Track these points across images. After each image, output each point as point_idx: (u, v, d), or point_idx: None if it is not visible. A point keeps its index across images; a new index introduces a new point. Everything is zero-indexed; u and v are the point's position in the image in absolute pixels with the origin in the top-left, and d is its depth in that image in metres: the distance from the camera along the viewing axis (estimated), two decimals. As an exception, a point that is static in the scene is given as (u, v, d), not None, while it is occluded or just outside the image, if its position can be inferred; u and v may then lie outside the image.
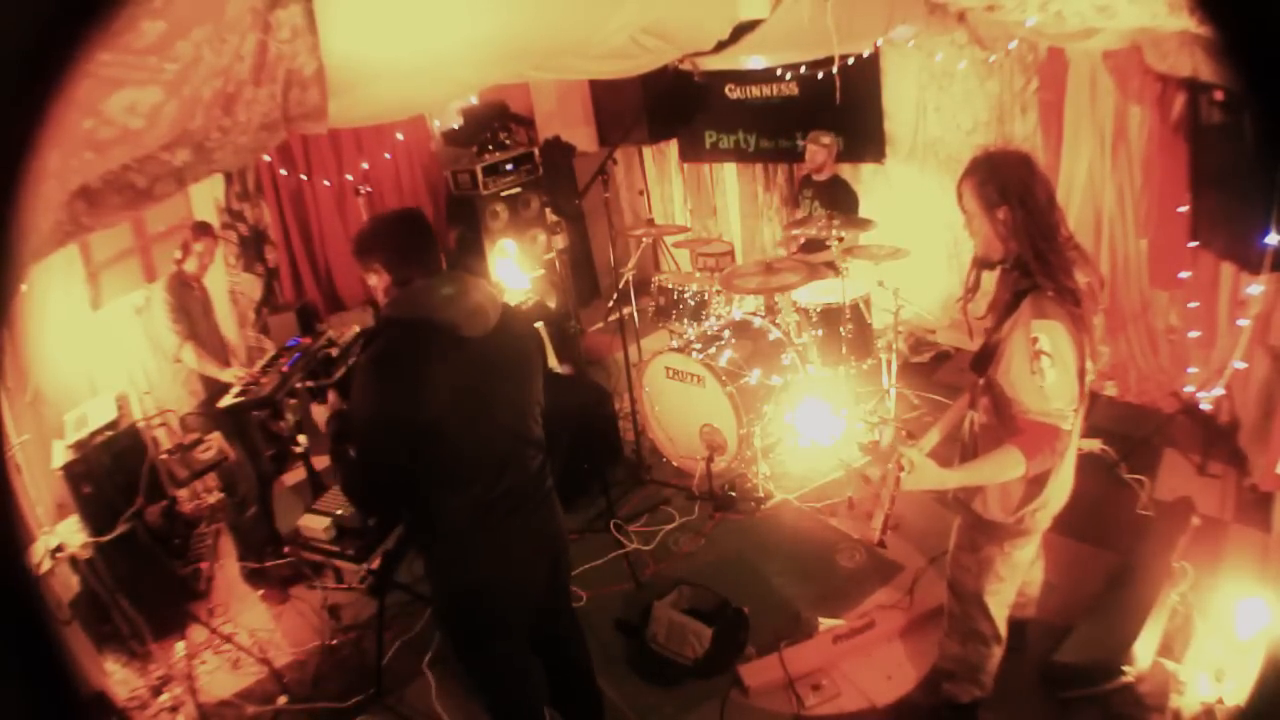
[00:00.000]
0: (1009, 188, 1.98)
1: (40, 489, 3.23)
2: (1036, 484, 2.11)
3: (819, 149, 4.81)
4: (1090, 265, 2.06)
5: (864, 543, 3.52)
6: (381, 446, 1.93)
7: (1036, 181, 2.00)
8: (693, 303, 4.68)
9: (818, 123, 5.02)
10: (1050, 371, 1.90)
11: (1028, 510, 2.15)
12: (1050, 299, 1.93)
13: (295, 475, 4.67)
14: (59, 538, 2.99)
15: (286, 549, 3.75)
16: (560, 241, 6.07)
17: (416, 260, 2.01)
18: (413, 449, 1.92)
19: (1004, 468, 1.98)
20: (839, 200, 4.68)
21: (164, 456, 3.47)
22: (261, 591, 3.82)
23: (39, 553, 2.84)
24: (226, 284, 4.95)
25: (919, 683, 2.82)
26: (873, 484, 1.98)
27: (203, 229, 3.84)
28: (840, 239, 4.19)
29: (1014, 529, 2.19)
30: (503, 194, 5.64)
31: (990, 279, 2.19)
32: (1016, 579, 2.34)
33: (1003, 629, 2.37)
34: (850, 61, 4.56)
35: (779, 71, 5.42)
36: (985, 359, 2.11)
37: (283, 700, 3.13)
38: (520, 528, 2.12)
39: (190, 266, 3.77)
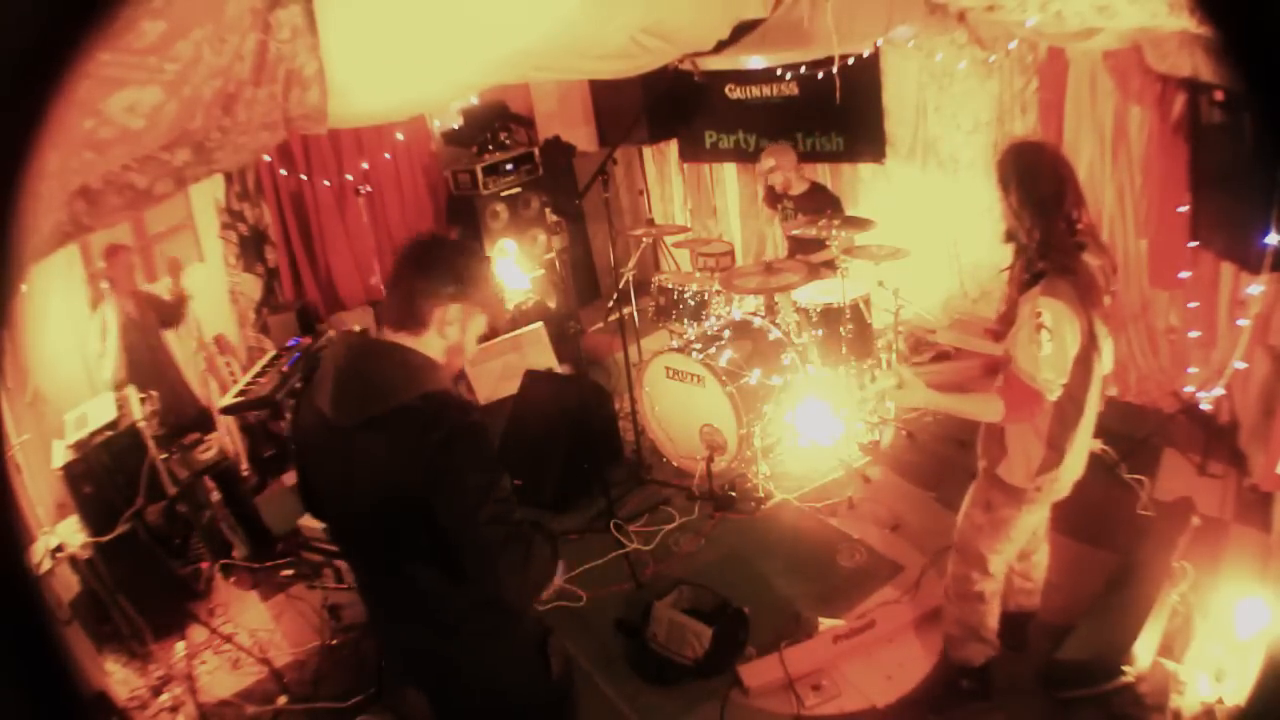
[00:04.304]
0: (1010, 174, 2.16)
1: (40, 489, 3.23)
2: (1055, 451, 2.26)
3: (775, 171, 4.67)
4: (1104, 252, 2.22)
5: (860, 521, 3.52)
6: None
7: (1043, 167, 2.17)
8: (693, 303, 4.67)
9: (816, 123, 4.96)
10: (1047, 345, 2.06)
11: (1046, 477, 2.29)
12: (1058, 279, 2.08)
13: (295, 475, 4.66)
14: (59, 538, 3.00)
15: (279, 546, 3.76)
16: (560, 241, 6.07)
17: (386, 305, 1.71)
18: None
19: (984, 409, 2.21)
20: (821, 209, 4.47)
21: (164, 456, 3.48)
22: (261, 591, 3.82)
23: (39, 553, 2.85)
24: (226, 284, 4.96)
25: (919, 683, 2.82)
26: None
27: (113, 250, 3.90)
28: (837, 237, 4.18)
29: (1031, 494, 2.34)
30: (503, 194, 5.64)
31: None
32: (1020, 543, 2.52)
33: (1000, 584, 2.54)
34: (850, 61, 4.55)
35: (779, 71, 5.41)
36: (1006, 326, 2.28)
37: (283, 700, 3.13)
38: (392, 634, 1.82)
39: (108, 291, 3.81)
